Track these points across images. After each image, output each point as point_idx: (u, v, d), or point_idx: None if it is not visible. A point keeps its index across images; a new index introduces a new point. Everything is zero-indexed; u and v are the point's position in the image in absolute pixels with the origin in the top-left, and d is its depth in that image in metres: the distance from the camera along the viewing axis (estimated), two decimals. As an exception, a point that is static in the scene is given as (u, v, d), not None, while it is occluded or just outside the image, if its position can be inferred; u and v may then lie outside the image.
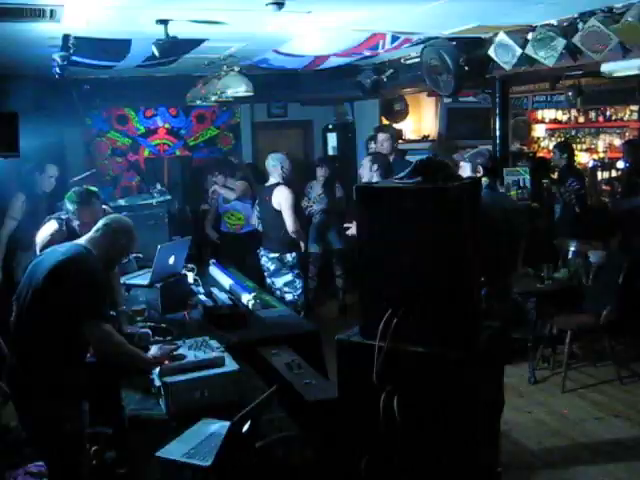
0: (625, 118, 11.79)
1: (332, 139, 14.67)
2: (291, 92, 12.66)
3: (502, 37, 7.34)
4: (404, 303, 3.98)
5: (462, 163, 7.22)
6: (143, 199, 10.49)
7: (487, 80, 9.21)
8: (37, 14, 6.12)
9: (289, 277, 8.63)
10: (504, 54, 7.38)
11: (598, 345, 8.47)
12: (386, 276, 4.09)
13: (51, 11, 6.10)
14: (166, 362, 4.86)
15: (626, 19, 5.78)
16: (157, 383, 4.74)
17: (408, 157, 10.85)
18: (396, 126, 13.68)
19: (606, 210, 9.72)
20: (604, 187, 10.69)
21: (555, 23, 6.88)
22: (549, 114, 12.59)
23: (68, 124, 12.11)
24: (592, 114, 12.10)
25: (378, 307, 4.05)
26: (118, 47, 8.52)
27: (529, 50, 6.99)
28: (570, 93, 10.80)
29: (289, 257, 8.64)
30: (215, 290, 7.51)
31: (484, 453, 4.40)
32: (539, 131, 12.93)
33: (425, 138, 13.58)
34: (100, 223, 5.21)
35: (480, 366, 4.07)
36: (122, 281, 6.97)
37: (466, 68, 8.13)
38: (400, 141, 13.31)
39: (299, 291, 8.66)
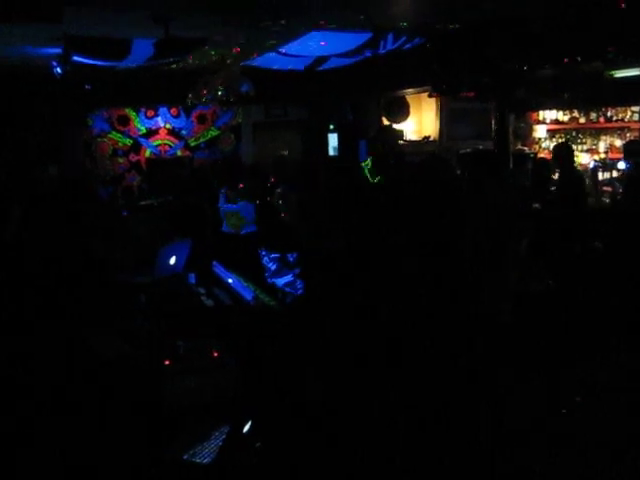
0: (626, 119, 11.80)
1: (333, 140, 14.66)
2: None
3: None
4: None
5: None
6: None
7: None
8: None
9: (290, 277, 8.62)
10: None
11: None
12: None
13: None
14: (167, 362, 4.86)
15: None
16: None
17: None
18: (397, 127, 13.70)
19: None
20: (605, 188, 10.68)
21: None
22: (550, 115, 12.57)
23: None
24: (593, 115, 12.10)
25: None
26: (119, 47, 8.54)
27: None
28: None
29: (290, 257, 8.64)
30: (216, 290, 7.51)
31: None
32: (540, 132, 12.92)
33: (426, 139, 13.56)
34: None
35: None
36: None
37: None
38: (401, 142, 13.34)
39: (300, 291, 8.65)
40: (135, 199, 12.78)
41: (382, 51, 9.92)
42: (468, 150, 9.87)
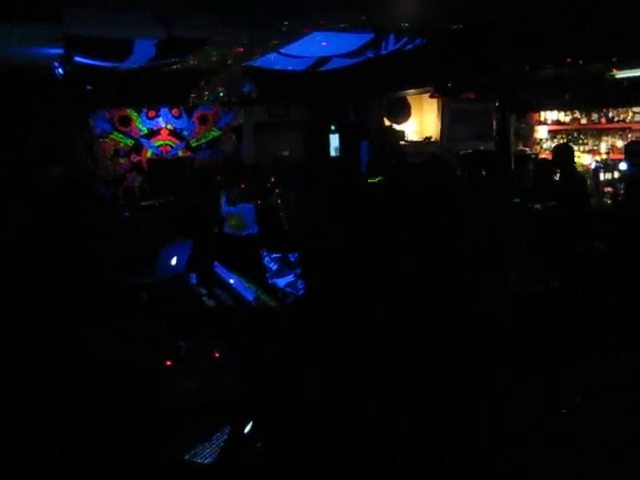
0: (627, 120, 11.79)
1: (334, 140, 14.66)
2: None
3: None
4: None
5: None
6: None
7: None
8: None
9: (291, 278, 8.63)
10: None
11: None
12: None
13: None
14: (168, 362, 4.87)
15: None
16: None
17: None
18: (398, 127, 13.72)
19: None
20: (606, 189, 10.68)
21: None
22: (551, 115, 12.57)
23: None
24: (594, 116, 12.10)
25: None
26: (121, 48, 8.54)
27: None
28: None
29: (291, 257, 8.65)
30: (217, 290, 7.51)
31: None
32: (541, 132, 12.92)
33: (427, 139, 13.57)
34: None
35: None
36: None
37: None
38: (402, 142, 13.36)
39: (301, 292, 8.66)
40: (136, 199, 12.80)
41: (384, 52, 9.92)
42: (469, 151, 9.86)
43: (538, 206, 9.45)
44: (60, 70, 9.23)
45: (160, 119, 14.19)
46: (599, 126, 12.05)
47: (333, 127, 14.78)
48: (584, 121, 12.14)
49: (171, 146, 14.36)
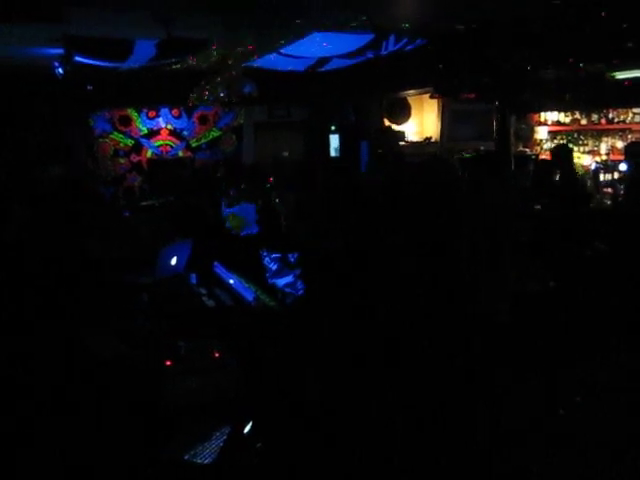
0: (627, 120, 11.79)
1: (334, 141, 14.67)
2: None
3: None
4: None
5: None
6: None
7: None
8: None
9: (290, 278, 8.62)
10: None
11: None
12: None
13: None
14: (168, 363, 4.87)
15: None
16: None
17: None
18: (398, 128, 13.72)
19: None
20: (606, 189, 10.68)
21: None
22: (551, 116, 12.57)
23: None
24: (594, 116, 12.10)
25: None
26: (121, 48, 8.55)
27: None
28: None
29: (291, 258, 8.64)
30: (217, 290, 7.52)
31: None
32: (541, 133, 12.92)
33: (427, 140, 13.57)
34: None
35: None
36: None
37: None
38: (402, 143, 13.36)
39: (300, 292, 8.65)
40: (136, 199, 12.80)
41: (384, 52, 9.93)
42: (469, 154, 9.89)
43: (538, 207, 9.46)
44: (60, 70, 9.23)
45: (160, 119, 14.20)
46: (599, 127, 12.04)
47: (333, 127, 14.78)
48: (584, 122, 12.13)
49: (171, 146, 14.37)
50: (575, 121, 12.20)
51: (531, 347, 7.05)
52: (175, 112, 14.28)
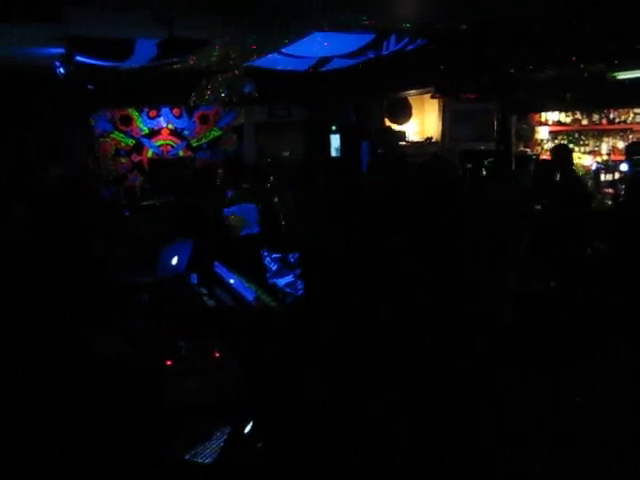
0: (628, 120, 11.79)
1: (335, 141, 14.67)
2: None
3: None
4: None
5: None
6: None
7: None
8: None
9: (291, 278, 8.62)
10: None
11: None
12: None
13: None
14: (169, 362, 4.87)
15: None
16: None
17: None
18: (399, 128, 13.72)
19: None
20: (607, 190, 10.69)
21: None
22: (552, 116, 12.57)
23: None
24: (595, 116, 12.10)
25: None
26: (122, 48, 8.55)
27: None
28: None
29: (291, 258, 8.64)
30: (218, 290, 7.52)
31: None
32: (542, 133, 12.92)
33: (428, 140, 13.57)
34: None
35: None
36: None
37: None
38: (403, 143, 13.36)
39: (300, 292, 8.65)
40: (137, 199, 12.80)
41: (385, 52, 9.93)
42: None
43: (539, 207, 9.46)
44: (62, 69, 9.23)
45: (161, 119, 14.19)
46: (600, 127, 12.04)
47: (334, 127, 14.78)
48: (585, 122, 12.13)
49: (172, 146, 14.37)
50: (576, 121, 12.19)
51: (533, 347, 7.06)
52: (176, 112, 14.28)
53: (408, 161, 9.79)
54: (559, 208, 8.91)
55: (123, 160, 13.97)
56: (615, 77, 9.95)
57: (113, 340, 5.21)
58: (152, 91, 12.60)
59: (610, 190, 10.54)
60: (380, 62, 10.81)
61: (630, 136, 11.57)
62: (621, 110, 11.66)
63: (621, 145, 11.55)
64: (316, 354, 6.16)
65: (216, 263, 8.77)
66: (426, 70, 10.99)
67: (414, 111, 13.94)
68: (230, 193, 10.97)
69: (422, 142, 13.65)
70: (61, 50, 8.49)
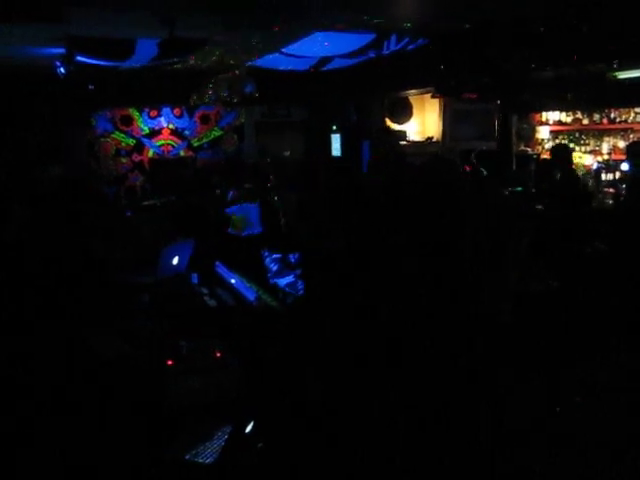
0: (629, 120, 11.79)
1: (336, 140, 14.67)
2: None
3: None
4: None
5: None
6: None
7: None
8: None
9: (291, 278, 8.62)
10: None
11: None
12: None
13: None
14: (170, 362, 4.88)
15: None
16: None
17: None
18: (400, 127, 13.72)
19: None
20: (608, 189, 10.69)
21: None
22: (553, 116, 12.57)
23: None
24: (596, 116, 12.10)
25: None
26: (123, 47, 8.56)
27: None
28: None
29: (291, 258, 8.65)
30: (219, 290, 7.53)
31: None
32: (543, 133, 12.92)
33: (429, 139, 13.57)
34: None
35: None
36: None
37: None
38: (403, 143, 13.36)
39: (300, 292, 8.65)
40: (138, 199, 12.81)
41: (385, 52, 9.93)
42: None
43: (540, 207, 9.46)
44: (62, 69, 9.23)
45: (162, 119, 14.20)
46: (601, 127, 12.04)
47: (335, 127, 14.78)
48: (586, 121, 12.13)
49: (173, 146, 14.38)
50: (577, 121, 12.19)
51: (533, 347, 7.06)
52: (177, 111, 14.29)
53: (408, 161, 9.80)
54: (559, 208, 8.91)
55: (124, 160, 13.99)
56: (616, 77, 9.96)
57: (113, 340, 5.22)
58: (152, 91, 12.62)
59: (611, 190, 10.54)
60: (381, 62, 10.81)
61: (631, 135, 11.57)
62: (622, 110, 11.66)
63: (622, 144, 11.55)
64: (316, 354, 6.17)
65: (217, 263, 8.78)
66: (426, 70, 10.99)
67: (415, 111, 13.94)
68: (232, 193, 10.97)
69: (423, 142, 13.64)
70: (61, 50, 8.50)
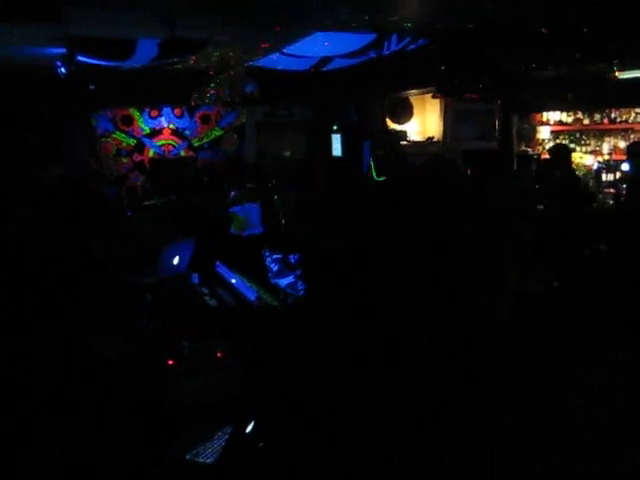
0: (630, 120, 11.79)
1: (337, 140, 14.66)
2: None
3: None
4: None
5: None
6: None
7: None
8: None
9: (291, 278, 8.62)
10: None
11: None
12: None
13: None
14: (171, 362, 4.88)
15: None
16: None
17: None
18: (400, 127, 13.72)
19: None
20: (608, 190, 10.69)
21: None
22: (554, 116, 12.57)
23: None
24: (597, 116, 12.10)
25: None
26: (123, 47, 8.56)
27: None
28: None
29: (292, 258, 8.65)
30: (219, 290, 7.53)
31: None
32: (544, 133, 12.92)
33: (430, 140, 13.56)
34: None
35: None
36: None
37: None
38: (404, 143, 13.36)
39: (300, 293, 8.65)
40: (139, 199, 12.82)
41: (386, 52, 9.93)
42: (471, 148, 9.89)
43: (541, 207, 9.46)
44: (63, 69, 9.23)
45: (162, 119, 14.20)
46: (601, 127, 12.04)
47: (335, 127, 14.77)
48: (586, 122, 12.14)
49: (173, 146, 14.38)
50: (577, 121, 12.20)
51: (533, 347, 7.06)
52: (177, 111, 14.29)
53: (408, 161, 9.80)
54: (559, 208, 8.91)
55: (124, 160, 13.99)
56: (616, 77, 9.96)
57: (113, 340, 5.22)
58: (153, 91, 12.62)
59: (611, 190, 10.55)
60: (381, 62, 10.81)
61: (631, 136, 11.58)
62: (622, 110, 11.66)
63: (622, 145, 11.56)
64: (316, 354, 6.18)
65: (217, 263, 8.78)
66: (427, 70, 10.99)
67: (415, 111, 13.94)
68: (233, 193, 10.97)
69: (424, 142, 13.63)
70: (62, 50, 8.50)
